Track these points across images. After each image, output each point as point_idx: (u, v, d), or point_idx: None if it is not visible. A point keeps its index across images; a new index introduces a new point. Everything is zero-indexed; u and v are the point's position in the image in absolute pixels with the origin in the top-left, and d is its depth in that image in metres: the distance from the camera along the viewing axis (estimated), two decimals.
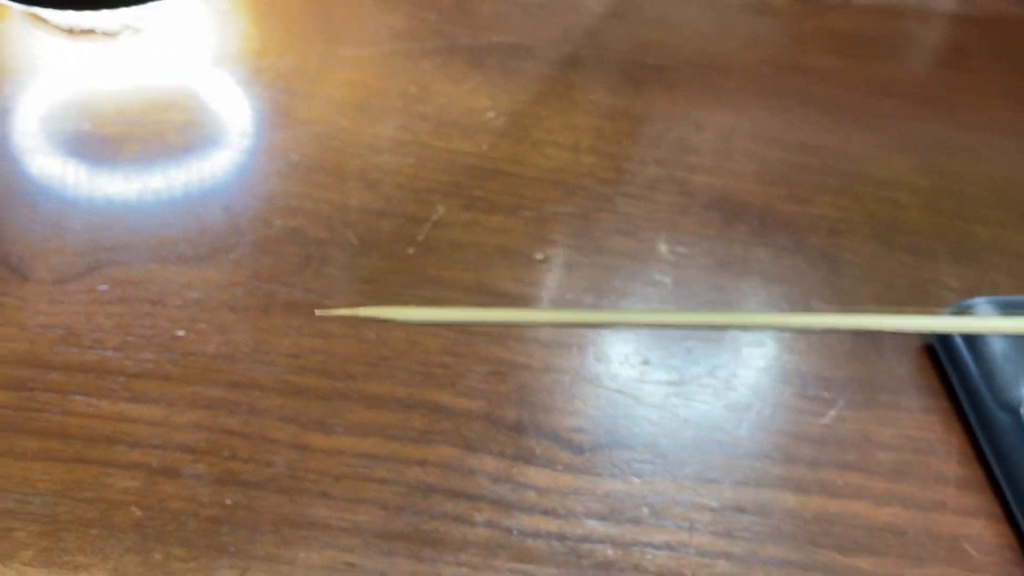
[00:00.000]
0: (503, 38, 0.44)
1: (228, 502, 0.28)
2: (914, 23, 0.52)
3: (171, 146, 0.37)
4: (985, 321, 0.35)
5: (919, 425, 0.34)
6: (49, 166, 0.36)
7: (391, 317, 0.25)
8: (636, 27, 0.47)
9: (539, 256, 0.36)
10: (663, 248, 0.37)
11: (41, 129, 0.37)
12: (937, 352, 0.35)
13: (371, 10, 0.44)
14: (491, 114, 0.41)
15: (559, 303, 0.35)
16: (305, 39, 0.42)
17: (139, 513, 0.28)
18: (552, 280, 0.36)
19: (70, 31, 0.39)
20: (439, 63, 0.42)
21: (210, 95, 0.39)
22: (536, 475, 0.30)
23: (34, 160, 0.36)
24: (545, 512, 0.29)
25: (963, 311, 0.35)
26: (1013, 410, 0.32)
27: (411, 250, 0.36)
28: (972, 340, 0.34)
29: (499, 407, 0.32)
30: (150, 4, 0.36)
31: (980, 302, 0.35)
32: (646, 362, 0.34)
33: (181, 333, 0.32)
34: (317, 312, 0.32)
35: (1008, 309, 0.35)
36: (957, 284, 0.39)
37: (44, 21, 0.39)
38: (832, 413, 0.33)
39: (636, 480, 0.31)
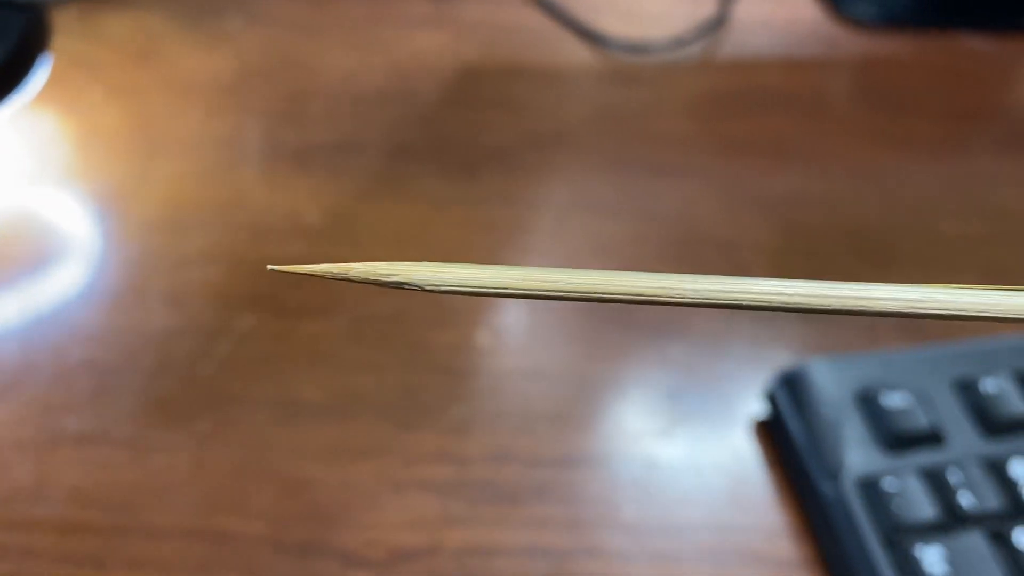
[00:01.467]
0: (332, 136, 0.44)
1: None
2: (777, 75, 0.51)
3: None
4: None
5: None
6: None
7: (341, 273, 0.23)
8: (475, 110, 0.46)
9: (352, 359, 0.35)
10: (482, 337, 0.36)
11: None
12: (770, 417, 0.33)
13: (196, 122, 0.43)
14: (312, 217, 0.40)
15: (373, 408, 0.34)
16: (123, 157, 0.42)
17: None
18: (369, 385, 0.35)
19: None
20: (262, 169, 0.42)
21: (15, 222, 0.39)
22: None
23: None
24: None
25: (794, 374, 0.33)
26: (834, 477, 0.30)
27: (210, 369, 0.35)
28: (801, 410, 0.33)
29: (287, 528, 0.30)
30: None
31: (813, 363, 0.33)
32: (462, 461, 0.32)
33: None
34: (268, 267, 0.31)
35: (843, 367, 0.33)
36: (800, 345, 0.37)
37: None
38: None
39: None
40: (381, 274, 0.16)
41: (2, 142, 0.42)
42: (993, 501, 0.30)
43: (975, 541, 0.29)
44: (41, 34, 0.37)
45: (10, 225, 0.39)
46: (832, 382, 0.32)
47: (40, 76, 0.39)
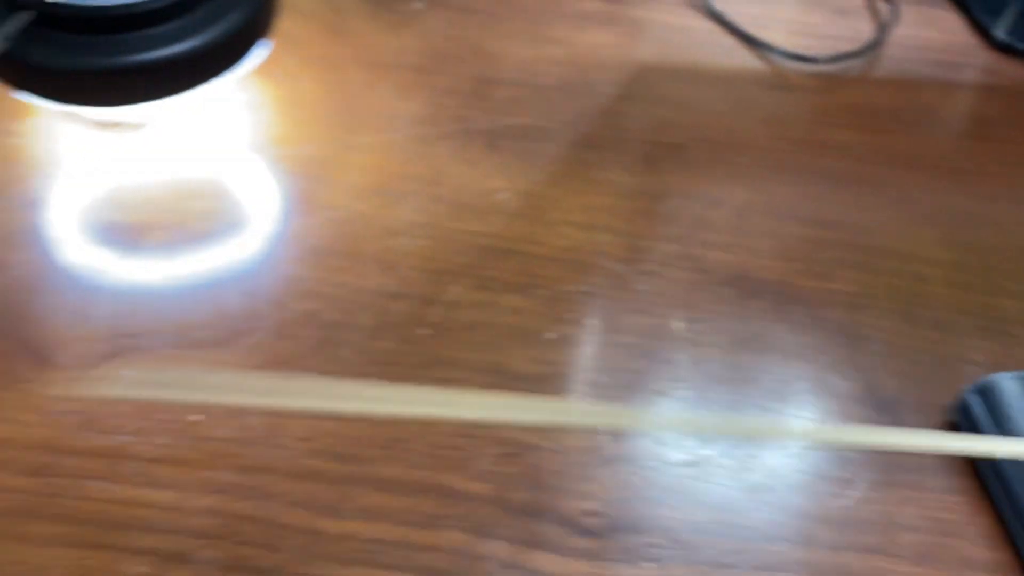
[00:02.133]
0: (519, 120, 0.45)
1: None
2: (935, 95, 0.52)
3: (194, 233, 0.38)
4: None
5: (945, 506, 0.33)
6: (76, 255, 0.37)
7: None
8: (651, 106, 0.47)
9: (552, 336, 0.36)
10: (679, 325, 0.37)
11: (70, 219, 0.38)
12: (961, 428, 0.34)
13: (390, 98, 0.45)
14: (505, 195, 0.42)
15: (574, 383, 0.35)
16: (326, 127, 0.43)
17: None
18: (566, 359, 0.36)
19: (99, 124, 0.41)
20: (456, 147, 0.43)
21: (232, 183, 0.40)
22: (547, 561, 0.30)
23: (62, 249, 0.37)
24: None
25: (987, 386, 0.34)
26: None
27: (425, 331, 0.36)
28: (996, 415, 0.33)
29: (510, 490, 0.32)
30: (175, 97, 0.37)
31: (1004, 377, 0.34)
32: (661, 443, 0.33)
33: (197, 418, 0.33)
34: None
35: None
36: (982, 359, 0.38)
37: (74, 115, 0.41)
38: (852, 494, 0.32)
39: (651, 566, 0.30)
40: None
41: (224, 111, 0.43)
42: None
43: None
44: (269, 9, 0.39)
45: (232, 187, 0.41)
46: None
47: (262, 50, 0.41)
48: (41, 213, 0.38)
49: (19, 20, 0.33)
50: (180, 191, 0.40)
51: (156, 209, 0.39)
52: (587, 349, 0.36)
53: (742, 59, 0.51)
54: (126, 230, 0.38)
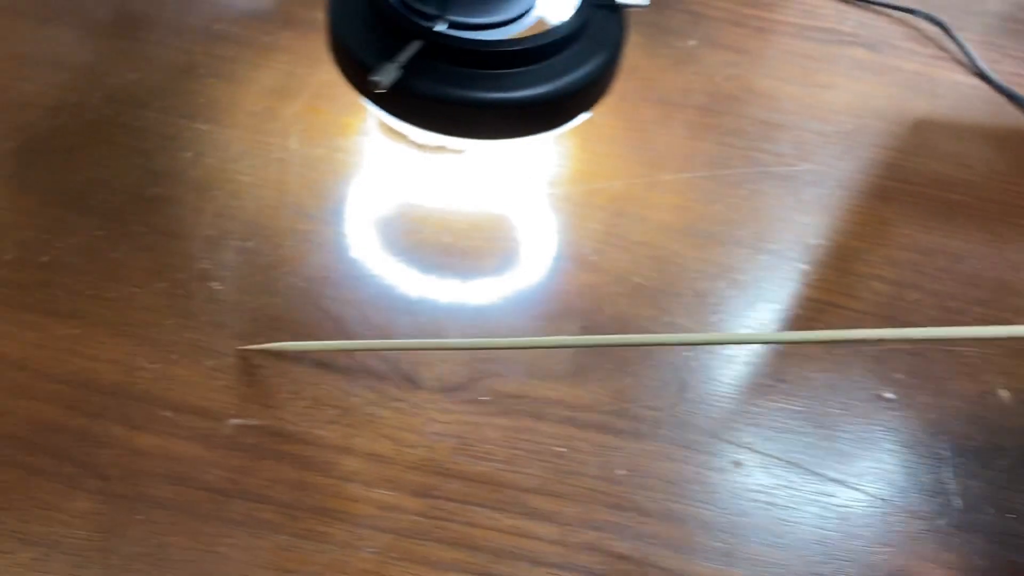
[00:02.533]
0: (809, 166, 0.46)
1: None
2: None
3: (523, 262, 0.39)
4: None
5: None
6: (421, 275, 0.38)
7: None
8: (931, 161, 0.47)
9: (888, 395, 0.37)
10: (1005, 393, 0.37)
11: (408, 240, 0.39)
12: None
13: (683, 138, 0.46)
14: (811, 239, 0.42)
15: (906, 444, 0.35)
16: (629, 164, 0.44)
17: None
18: (897, 423, 0.36)
19: (423, 147, 0.42)
20: (754, 189, 0.44)
21: (552, 215, 0.41)
22: None
23: (406, 268, 0.38)
24: None
25: None
26: None
27: (758, 380, 0.36)
28: None
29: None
30: (532, 136, 0.38)
31: None
32: None
33: (562, 450, 0.33)
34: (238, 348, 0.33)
35: None
36: None
37: (401, 135, 0.42)
38: None
39: None
40: None
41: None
42: None
43: None
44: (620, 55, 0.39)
45: (549, 219, 0.41)
46: None
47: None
48: (380, 231, 0.39)
49: (411, 49, 0.34)
50: (506, 219, 0.41)
51: (486, 235, 0.40)
52: (917, 412, 0.36)
53: (1011, 118, 0.50)
54: (462, 253, 0.39)
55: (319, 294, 0.37)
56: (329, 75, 0.45)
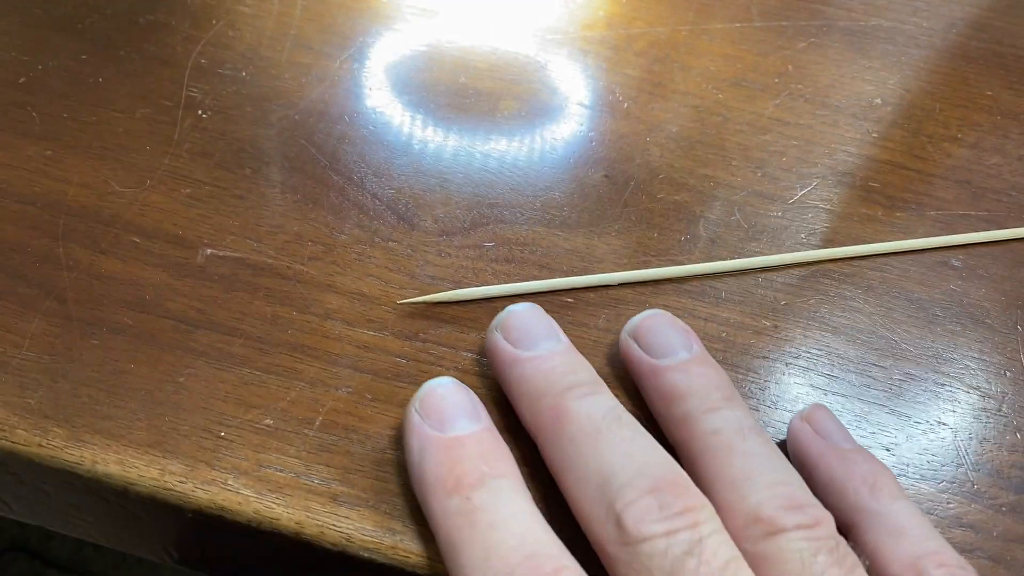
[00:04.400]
0: (881, 22, 0.40)
1: None
2: None
3: (547, 107, 0.35)
4: None
5: None
6: (430, 116, 0.34)
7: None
8: None
9: (956, 263, 0.32)
10: None
11: (419, 78, 0.35)
12: None
13: None
14: (878, 100, 0.37)
15: (976, 317, 0.31)
16: (675, 9, 0.39)
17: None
18: (962, 288, 0.31)
19: None
20: (815, 43, 0.39)
21: (583, 59, 0.37)
22: None
23: (415, 108, 0.34)
24: None
25: None
26: None
27: (804, 238, 0.32)
28: None
29: None
30: None
31: None
32: None
33: (570, 300, 0.30)
34: (398, 302, 0.28)
35: None
36: None
37: None
38: None
39: None
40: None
41: None
42: None
43: None
44: None
45: (583, 63, 0.37)
46: None
47: None
48: (391, 68, 0.36)
49: None
50: (530, 61, 0.37)
51: (506, 78, 0.36)
52: (987, 282, 0.31)
53: None
54: (477, 95, 0.35)
55: (313, 128, 0.33)
56: None
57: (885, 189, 0.34)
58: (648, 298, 0.30)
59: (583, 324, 0.29)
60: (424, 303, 0.29)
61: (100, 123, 0.32)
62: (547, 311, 0.27)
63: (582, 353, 0.26)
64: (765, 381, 0.28)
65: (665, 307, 0.29)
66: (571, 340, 0.26)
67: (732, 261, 0.31)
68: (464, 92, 0.35)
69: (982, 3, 0.42)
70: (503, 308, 0.27)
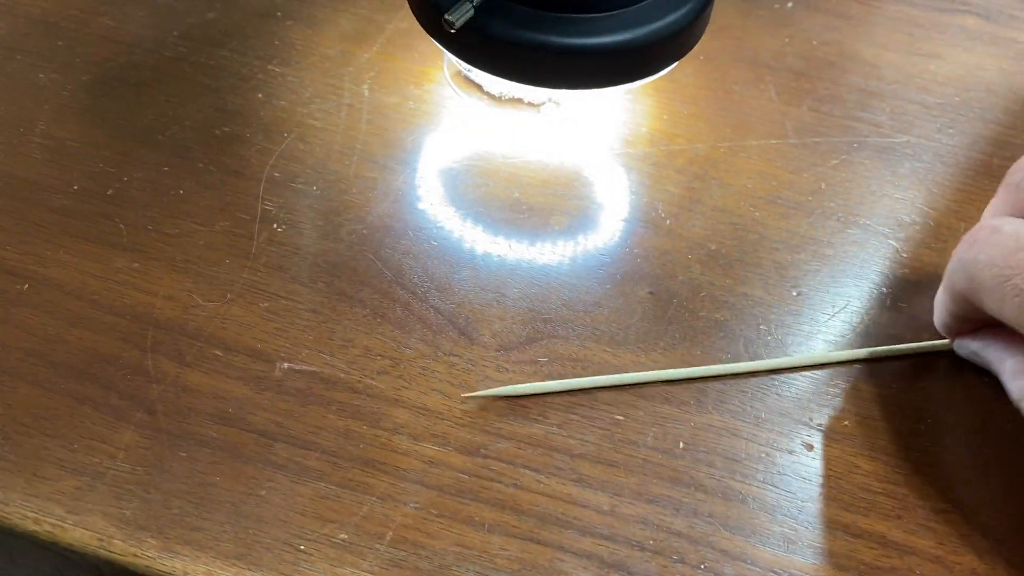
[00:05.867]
0: (909, 138, 0.42)
1: None
2: None
3: (594, 222, 0.37)
4: None
5: None
6: (486, 230, 0.36)
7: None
8: None
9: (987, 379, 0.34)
10: None
11: (476, 193, 0.38)
12: None
13: (775, 102, 0.43)
14: (908, 218, 0.39)
15: None
16: (713, 127, 0.42)
17: None
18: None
19: (498, 98, 0.41)
20: (846, 159, 0.41)
21: (627, 175, 0.39)
22: None
23: (473, 222, 0.37)
24: None
25: None
26: None
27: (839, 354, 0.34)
28: None
29: (952, 549, 0.29)
30: (613, 87, 0.36)
31: None
32: None
33: (620, 418, 0.32)
34: (463, 395, 0.31)
35: None
36: None
37: (475, 87, 0.41)
38: None
39: None
40: None
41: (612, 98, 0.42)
42: None
43: None
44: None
45: (626, 179, 0.40)
46: None
47: None
48: (449, 182, 0.38)
49: None
50: (578, 177, 0.39)
51: (557, 193, 0.38)
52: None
53: None
54: (530, 210, 0.37)
55: (380, 243, 0.36)
56: (406, 22, 0.44)
57: (911, 309, 0.36)
58: (692, 416, 0.32)
59: (632, 442, 0.31)
60: (487, 396, 0.31)
61: (182, 235, 0.35)
62: (597, 429, 0.29)
63: (631, 472, 0.28)
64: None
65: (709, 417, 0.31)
66: (621, 459, 0.28)
67: (771, 360, 0.33)
68: (518, 207, 0.38)
69: (1003, 120, 0.44)
70: (557, 406, 0.29)
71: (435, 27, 0.34)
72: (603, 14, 0.33)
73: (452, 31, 0.32)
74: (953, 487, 0.31)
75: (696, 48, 0.39)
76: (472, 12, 0.32)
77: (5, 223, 0.35)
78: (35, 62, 0.40)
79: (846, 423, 0.32)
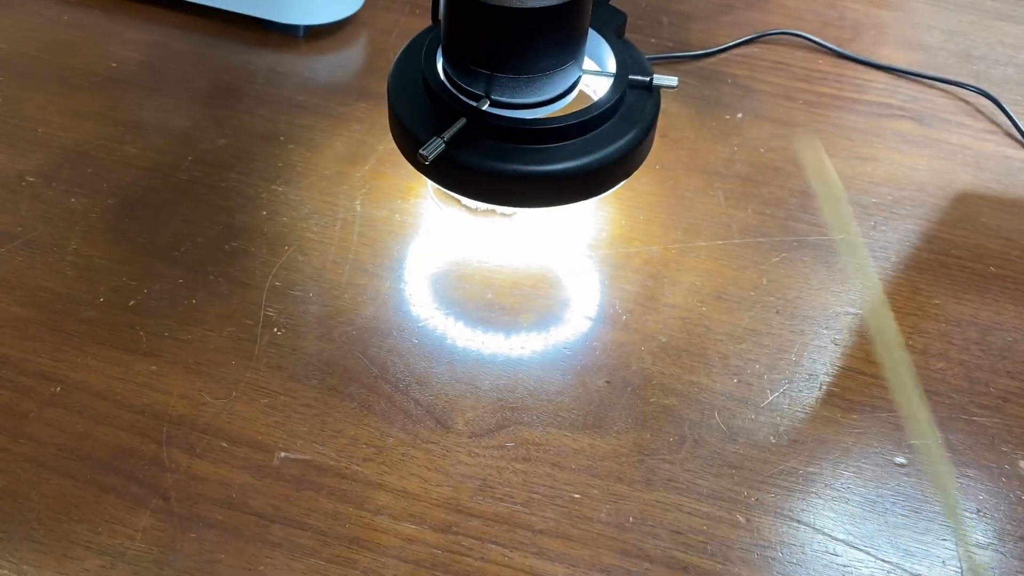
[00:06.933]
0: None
1: None
2: None
3: (558, 318, 0.42)
4: None
5: None
6: (462, 328, 0.41)
7: None
8: (973, 235, 0.48)
9: (899, 460, 0.38)
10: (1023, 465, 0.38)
11: (454, 295, 0.43)
12: None
13: (723, 206, 0.48)
14: (839, 309, 0.43)
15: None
16: (666, 229, 0.47)
17: None
18: (909, 488, 0.37)
19: (473, 210, 0.46)
20: (786, 257, 0.46)
21: (588, 275, 0.44)
22: None
23: (450, 321, 0.42)
24: None
25: None
26: None
27: (773, 440, 0.38)
28: None
29: None
30: (572, 203, 0.41)
31: None
32: None
33: (576, 496, 0.36)
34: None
35: None
36: None
37: (454, 199, 0.46)
38: None
39: None
40: None
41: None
42: None
43: None
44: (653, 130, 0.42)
45: (585, 279, 0.44)
46: None
47: None
48: (430, 286, 0.43)
49: (457, 125, 0.38)
50: (544, 278, 0.44)
51: (525, 293, 0.43)
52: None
53: None
54: (501, 309, 0.42)
55: (368, 342, 0.40)
56: (394, 143, 0.49)
57: (844, 393, 0.40)
58: (641, 493, 0.36)
59: (587, 518, 0.35)
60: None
61: (195, 340, 0.40)
62: (556, 507, 0.33)
63: (586, 545, 0.32)
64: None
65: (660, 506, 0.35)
66: (577, 533, 0.32)
67: None
68: (491, 307, 0.43)
69: (932, 216, 0.49)
70: (520, 486, 0.33)
71: (413, 158, 0.40)
72: (559, 143, 0.39)
73: (426, 163, 0.37)
74: None
75: (653, 158, 0.44)
76: (443, 147, 0.37)
77: (41, 333, 0.40)
78: (68, 188, 0.46)
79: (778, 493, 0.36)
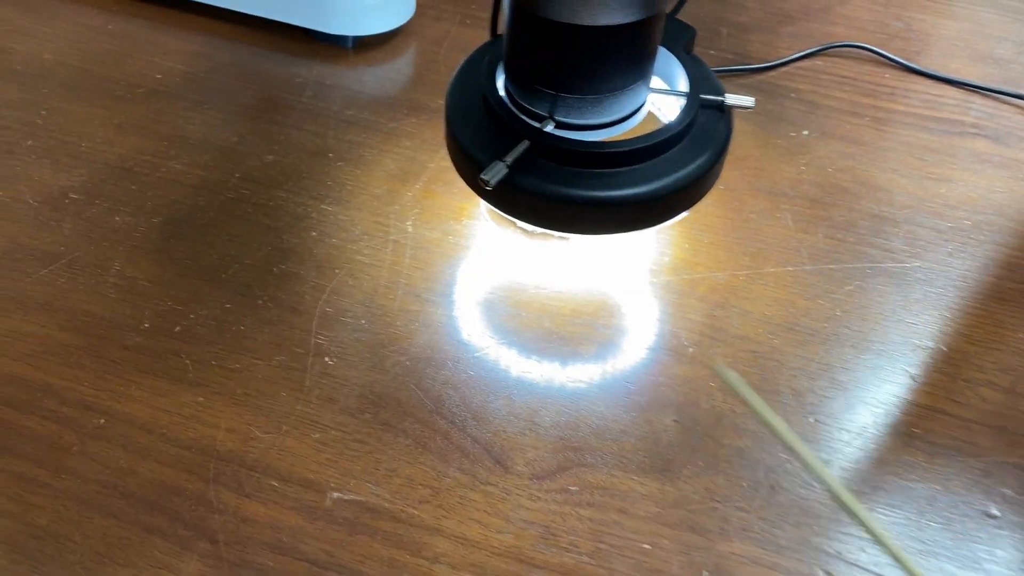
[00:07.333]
0: (921, 264, 0.45)
1: None
2: None
3: (620, 350, 0.40)
4: None
5: None
6: (519, 359, 0.39)
7: None
8: None
9: (994, 511, 0.35)
10: None
11: (510, 323, 0.41)
12: None
13: (790, 230, 0.46)
14: (919, 341, 0.41)
15: None
16: (732, 255, 0.44)
17: None
18: (1001, 542, 0.35)
19: (529, 233, 0.44)
20: (860, 286, 0.43)
21: (651, 304, 0.42)
22: None
23: (506, 352, 0.40)
24: None
25: None
26: None
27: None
28: None
29: None
30: (635, 232, 0.39)
31: None
32: None
33: (647, 547, 0.34)
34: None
35: None
36: None
37: (509, 221, 0.44)
38: None
39: None
40: None
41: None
42: None
43: None
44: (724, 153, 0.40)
45: (650, 308, 0.42)
46: None
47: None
48: (484, 314, 0.41)
49: (520, 149, 0.36)
50: (605, 306, 0.42)
51: (586, 322, 0.41)
52: None
53: None
54: (560, 340, 0.40)
55: (422, 374, 0.38)
56: (447, 160, 0.47)
57: (926, 435, 0.38)
58: (715, 544, 0.34)
59: (659, 571, 0.33)
60: None
61: (243, 370, 0.38)
62: (624, 558, 0.31)
63: None
64: None
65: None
66: None
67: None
68: (549, 337, 0.41)
69: (1013, 243, 0.46)
70: (587, 535, 0.31)
71: (472, 181, 0.38)
72: (624, 168, 0.37)
73: (487, 188, 0.35)
74: None
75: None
76: (506, 171, 0.35)
77: (84, 360, 0.38)
78: (111, 206, 0.45)
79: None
